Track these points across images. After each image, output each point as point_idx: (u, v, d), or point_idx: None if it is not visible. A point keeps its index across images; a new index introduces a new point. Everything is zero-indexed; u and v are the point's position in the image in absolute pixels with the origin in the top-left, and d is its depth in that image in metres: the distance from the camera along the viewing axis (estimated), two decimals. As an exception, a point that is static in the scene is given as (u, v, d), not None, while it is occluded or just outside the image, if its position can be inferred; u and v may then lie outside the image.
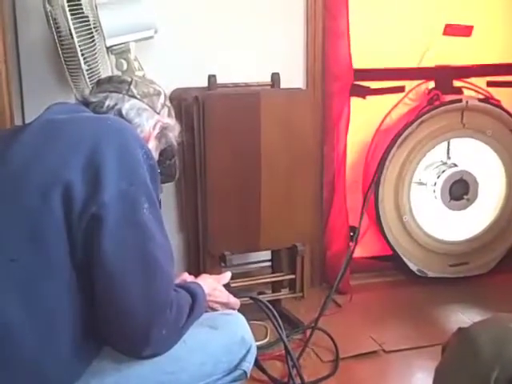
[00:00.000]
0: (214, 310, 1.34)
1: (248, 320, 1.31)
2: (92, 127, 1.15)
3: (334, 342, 1.92)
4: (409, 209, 2.38)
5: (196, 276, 1.42)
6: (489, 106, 2.36)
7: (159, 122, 1.33)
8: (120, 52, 1.81)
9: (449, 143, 2.41)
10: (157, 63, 1.98)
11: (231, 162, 1.91)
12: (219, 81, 1.97)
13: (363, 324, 2.12)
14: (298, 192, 2.00)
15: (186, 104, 1.95)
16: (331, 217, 2.36)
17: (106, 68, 1.80)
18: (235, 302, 1.39)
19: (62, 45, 1.75)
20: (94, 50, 1.74)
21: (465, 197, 2.39)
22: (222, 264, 1.94)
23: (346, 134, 2.25)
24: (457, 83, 2.42)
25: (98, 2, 1.76)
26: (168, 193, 2.13)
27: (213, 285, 1.36)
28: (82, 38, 1.73)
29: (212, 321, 1.25)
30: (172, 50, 2.07)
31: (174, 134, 1.40)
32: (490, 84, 2.45)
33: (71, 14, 1.70)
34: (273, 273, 2.13)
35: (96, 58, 1.75)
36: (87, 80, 1.76)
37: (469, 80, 2.43)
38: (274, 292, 2.13)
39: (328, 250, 2.39)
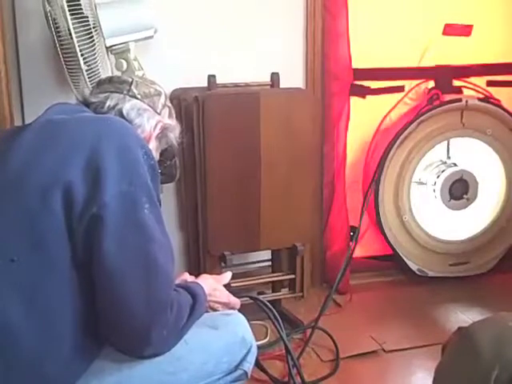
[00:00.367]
0: (214, 310, 1.35)
1: (248, 320, 1.31)
2: (93, 127, 1.15)
3: (334, 341, 1.92)
4: (409, 208, 2.38)
5: (196, 276, 1.42)
6: (489, 105, 2.36)
7: (160, 122, 1.33)
8: (120, 52, 1.81)
9: (449, 143, 2.41)
10: (156, 63, 1.97)
11: (231, 161, 1.91)
12: (219, 81, 1.97)
13: (363, 324, 2.12)
14: (298, 192, 2.00)
15: (185, 104, 1.95)
16: (331, 216, 2.36)
17: (106, 68, 1.80)
18: (236, 301, 1.39)
19: (62, 45, 1.75)
20: (93, 50, 1.74)
21: (465, 196, 2.39)
22: (222, 264, 1.94)
23: (346, 134, 2.26)
24: (456, 83, 2.41)
25: (98, 2, 1.75)
26: (168, 192, 2.13)
27: (213, 285, 1.36)
28: (82, 38, 1.73)
29: (212, 321, 1.25)
30: (172, 50, 2.07)
31: (175, 134, 1.40)
32: (489, 83, 2.45)
33: (71, 14, 1.70)
34: (273, 273, 2.13)
35: (95, 58, 1.75)
36: (87, 80, 1.76)
37: (468, 79, 2.42)
38: (274, 292, 2.13)
39: (328, 249, 2.39)
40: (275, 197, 1.97)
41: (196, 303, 1.19)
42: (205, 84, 1.96)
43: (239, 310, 1.37)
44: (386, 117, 2.38)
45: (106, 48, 1.78)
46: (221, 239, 1.94)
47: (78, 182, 1.06)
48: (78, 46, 1.72)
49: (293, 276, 2.07)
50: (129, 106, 1.29)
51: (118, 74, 1.81)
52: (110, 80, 1.36)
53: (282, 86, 2.04)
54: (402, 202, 2.37)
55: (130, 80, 1.33)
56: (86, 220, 1.04)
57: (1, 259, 1.04)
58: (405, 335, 2.02)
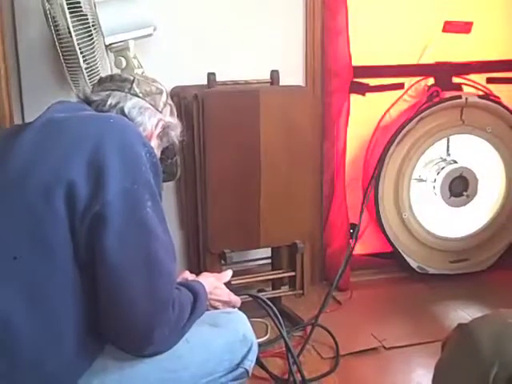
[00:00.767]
0: (215, 308, 1.34)
1: (248, 317, 1.32)
2: (94, 126, 1.15)
3: (334, 338, 1.92)
4: (409, 205, 2.38)
5: (197, 274, 1.42)
6: (488, 102, 2.36)
7: (161, 120, 1.33)
8: (119, 50, 1.81)
9: (448, 140, 2.41)
10: (156, 61, 1.97)
11: (231, 159, 1.91)
12: (218, 78, 1.96)
13: (363, 321, 2.12)
14: (298, 189, 2.00)
15: (185, 102, 1.95)
16: (331, 214, 2.36)
17: (105, 66, 1.80)
18: (236, 300, 1.39)
19: (61, 43, 1.75)
20: (92, 48, 1.74)
21: (464, 193, 2.39)
22: (222, 262, 1.94)
23: (346, 131, 2.26)
24: (456, 80, 2.41)
25: (97, 1, 1.75)
26: (168, 191, 2.13)
27: (214, 283, 1.36)
28: (81, 36, 1.73)
29: (213, 319, 1.25)
30: (171, 48, 2.07)
31: (176, 132, 1.39)
32: (489, 80, 2.45)
33: (70, 13, 1.70)
34: (273, 270, 2.13)
35: (95, 56, 1.75)
36: (86, 78, 1.75)
37: (468, 77, 2.42)
38: (274, 289, 2.14)
39: (328, 247, 2.40)
40: (275, 194, 1.97)
41: (197, 301, 1.19)
42: (204, 82, 1.96)
43: (239, 308, 1.37)
44: (385, 114, 2.38)
45: (106, 46, 1.78)
46: (221, 237, 1.94)
47: (80, 180, 1.05)
48: (78, 44, 1.71)
49: (293, 273, 2.07)
50: (130, 104, 1.29)
51: (118, 71, 1.81)
52: (111, 78, 1.35)
53: (281, 83, 2.04)
54: (402, 199, 2.37)
55: (132, 78, 1.33)
56: (89, 218, 1.04)
57: (3, 257, 1.04)
58: (405, 332, 2.03)
